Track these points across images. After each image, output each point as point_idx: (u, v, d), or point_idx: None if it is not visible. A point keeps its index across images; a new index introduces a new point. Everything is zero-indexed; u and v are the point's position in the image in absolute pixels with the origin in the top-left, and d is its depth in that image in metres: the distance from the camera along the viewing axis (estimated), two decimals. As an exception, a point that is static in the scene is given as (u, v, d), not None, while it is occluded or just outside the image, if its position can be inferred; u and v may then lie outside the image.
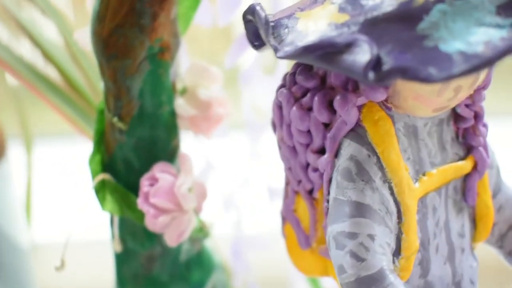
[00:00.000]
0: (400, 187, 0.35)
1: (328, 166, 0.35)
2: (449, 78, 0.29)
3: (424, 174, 0.36)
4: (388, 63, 0.29)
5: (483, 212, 0.39)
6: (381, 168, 0.35)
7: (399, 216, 0.35)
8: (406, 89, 0.35)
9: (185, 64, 0.43)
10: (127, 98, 0.40)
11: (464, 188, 0.39)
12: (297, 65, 0.37)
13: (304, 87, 0.36)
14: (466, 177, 0.38)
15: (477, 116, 0.38)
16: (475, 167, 0.38)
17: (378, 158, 0.35)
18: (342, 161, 0.35)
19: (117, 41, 0.39)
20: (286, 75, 0.37)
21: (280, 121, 0.37)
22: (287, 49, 0.32)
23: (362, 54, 0.30)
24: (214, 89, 0.43)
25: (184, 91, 0.43)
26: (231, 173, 0.56)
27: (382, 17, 0.31)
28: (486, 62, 0.28)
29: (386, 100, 0.35)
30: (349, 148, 0.35)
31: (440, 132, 0.37)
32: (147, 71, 0.40)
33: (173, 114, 0.42)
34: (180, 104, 0.42)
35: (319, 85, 0.36)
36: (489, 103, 0.39)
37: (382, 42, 0.30)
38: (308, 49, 0.31)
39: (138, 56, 0.40)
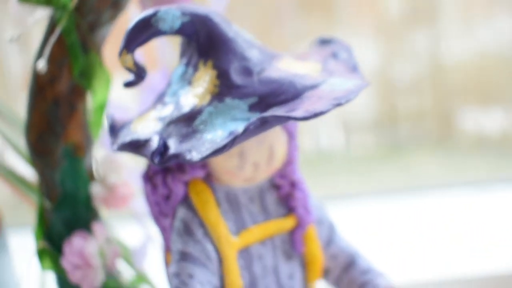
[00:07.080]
0: (219, 241, 0.47)
1: (169, 226, 0.48)
2: (203, 157, 0.42)
3: (245, 230, 0.49)
4: (171, 150, 0.43)
5: (310, 259, 0.51)
6: (202, 225, 0.47)
7: (221, 262, 0.47)
8: (217, 167, 0.48)
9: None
10: (51, 185, 0.55)
11: (291, 240, 0.50)
12: None
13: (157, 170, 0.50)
14: (292, 231, 0.50)
15: (293, 185, 0.50)
16: (298, 224, 0.50)
17: (200, 219, 0.47)
18: (175, 222, 0.48)
19: (40, 145, 0.54)
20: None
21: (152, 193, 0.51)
22: (116, 145, 0.46)
23: (153, 145, 0.44)
24: (123, 174, 0.57)
25: (98, 179, 0.57)
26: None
27: (174, 120, 0.45)
28: (225, 145, 0.41)
29: (210, 176, 0.48)
30: (180, 212, 0.48)
31: (262, 197, 0.50)
32: (65, 165, 0.55)
33: (89, 197, 0.56)
34: (94, 189, 0.56)
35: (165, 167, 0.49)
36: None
37: (171, 136, 0.44)
38: (124, 145, 0.45)
39: (55, 154, 0.54)
